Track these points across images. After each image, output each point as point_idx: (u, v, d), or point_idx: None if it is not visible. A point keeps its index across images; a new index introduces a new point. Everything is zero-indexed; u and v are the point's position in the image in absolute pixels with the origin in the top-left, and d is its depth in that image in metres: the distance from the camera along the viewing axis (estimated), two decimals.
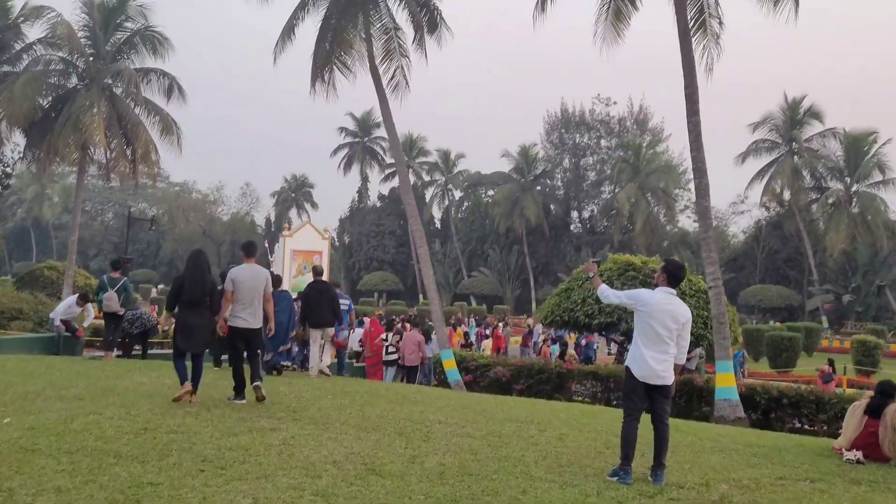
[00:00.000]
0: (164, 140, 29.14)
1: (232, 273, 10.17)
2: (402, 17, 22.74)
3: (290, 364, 15.54)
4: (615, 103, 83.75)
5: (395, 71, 22.46)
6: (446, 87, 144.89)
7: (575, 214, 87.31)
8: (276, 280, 15.53)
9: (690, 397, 18.88)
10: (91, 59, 28.80)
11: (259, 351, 10.57)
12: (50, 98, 28.49)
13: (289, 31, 22.44)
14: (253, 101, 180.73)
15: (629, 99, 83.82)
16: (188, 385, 9.37)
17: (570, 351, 25.01)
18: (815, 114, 68.41)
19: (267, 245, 67.74)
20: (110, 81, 28.87)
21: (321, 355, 14.78)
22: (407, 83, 22.52)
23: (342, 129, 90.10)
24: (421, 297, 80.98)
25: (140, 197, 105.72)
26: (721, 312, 16.04)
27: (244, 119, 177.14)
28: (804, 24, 22.79)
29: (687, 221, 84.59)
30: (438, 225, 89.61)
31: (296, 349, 15.99)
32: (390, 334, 21.35)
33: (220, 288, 10.17)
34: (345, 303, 16.71)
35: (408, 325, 21.19)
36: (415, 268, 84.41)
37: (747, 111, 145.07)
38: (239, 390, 9.84)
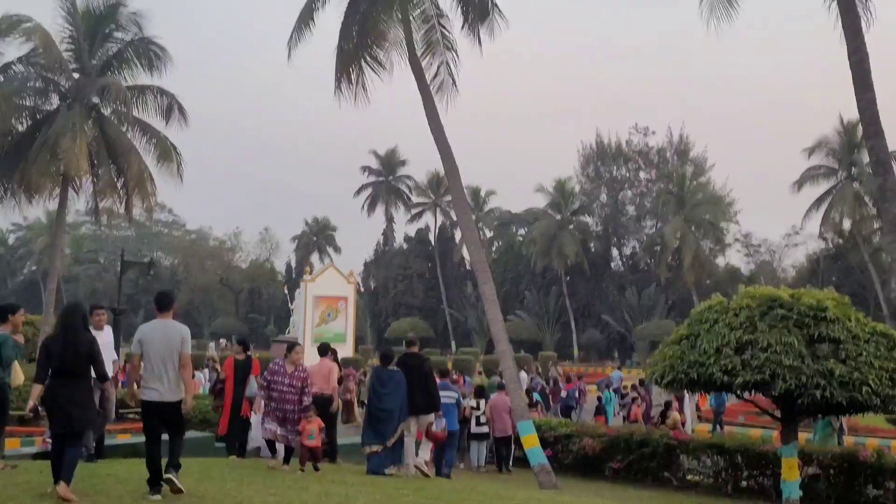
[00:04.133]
0: (161, 168, 24.88)
1: (139, 332, 8.33)
2: (445, 2, 18.46)
3: (395, 469, 11.55)
4: (653, 133, 79.30)
5: (438, 67, 18.19)
6: (470, 121, 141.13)
7: (615, 252, 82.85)
8: (385, 358, 12.56)
9: (853, 475, 14.00)
10: (75, 74, 24.67)
11: (182, 431, 8.53)
12: (28, 122, 24.36)
13: (307, 17, 18.07)
14: (271, 142, 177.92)
15: (668, 128, 79.74)
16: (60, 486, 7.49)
17: (675, 414, 20.09)
18: None
19: (287, 292, 63.88)
20: (97, 100, 24.72)
21: (422, 445, 12.25)
22: (454, 82, 18.22)
23: (365, 169, 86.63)
24: (454, 343, 76.62)
25: (155, 245, 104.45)
26: None
27: (262, 161, 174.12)
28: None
29: (737, 256, 79.98)
30: (469, 267, 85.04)
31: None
32: (481, 401, 17.04)
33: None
34: (451, 395, 13.90)
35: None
36: (446, 312, 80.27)
37: (801, 137, 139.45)
38: (153, 482, 7.87)
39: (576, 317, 75.34)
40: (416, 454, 11.93)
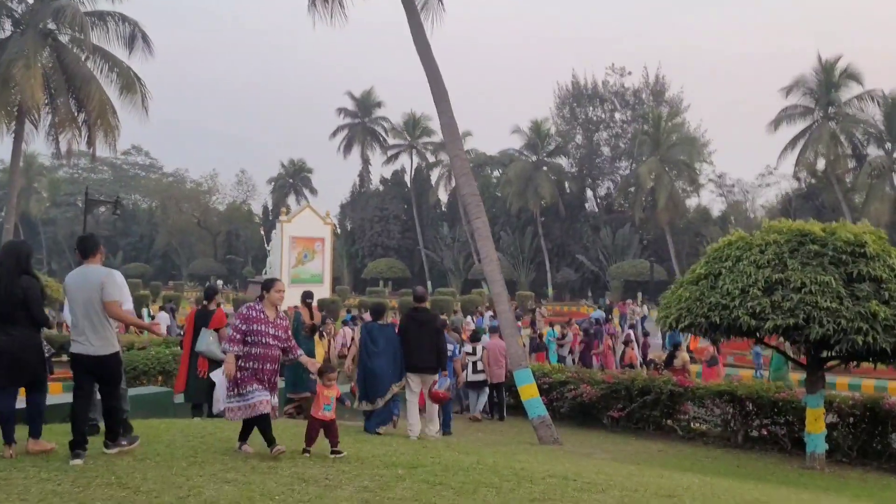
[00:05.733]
0: (124, 100, 23.09)
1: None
2: None
3: (393, 422, 11.04)
4: (630, 73, 78.28)
5: None
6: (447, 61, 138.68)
7: (589, 192, 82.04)
8: (375, 312, 11.42)
9: (875, 424, 13.04)
10: None
11: (115, 390, 7.30)
12: None
13: None
14: (248, 83, 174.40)
15: (644, 68, 78.54)
16: (9, 449, 6.85)
17: (684, 355, 18.95)
18: (851, 75, 62.63)
19: (263, 233, 62.69)
20: (53, 26, 22.80)
21: (427, 418, 11.06)
22: (440, 1, 16.55)
23: (341, 110, 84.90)
24: (430, 284, 75.80)
25: (132, 188, 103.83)
26: None
27: (237, 103, 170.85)
28: None
29: (709, 196, 79.59)
30: (445, 208, 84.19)
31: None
32: (477, 346, 15.99)
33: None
34: (448, 348, 12.26)
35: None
36: (422, 253, 79.52)
37: (780, 79, 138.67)
38: (75, 444, 6.75)
39: (550, 257, 75.05)
40: (427, 428, 10.91)
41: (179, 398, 11.99)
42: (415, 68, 15.27)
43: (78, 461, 6.59)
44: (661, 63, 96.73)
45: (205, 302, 12.08)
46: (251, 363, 7.68)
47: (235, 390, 7.64)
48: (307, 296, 13.78)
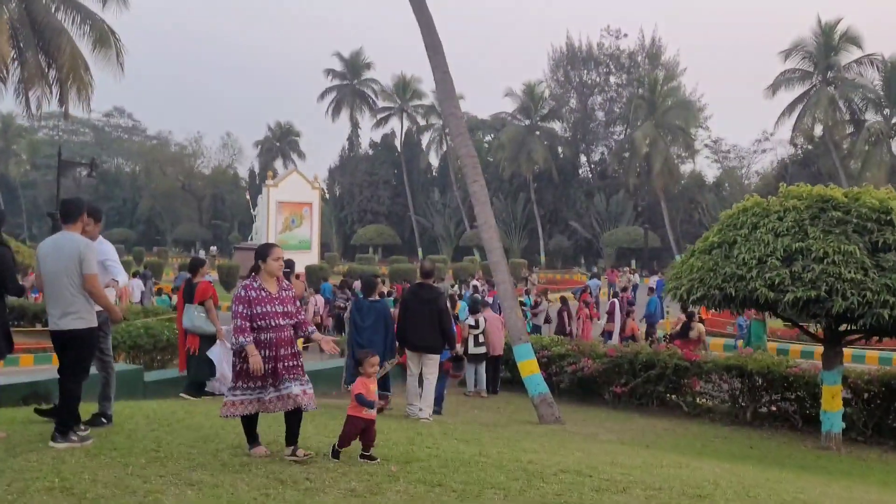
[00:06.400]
0: (98, 55, 21.99)
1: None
2: None
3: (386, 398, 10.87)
4: (626, 35, 76.88)
5: None
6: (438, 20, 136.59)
7: (583, 158, 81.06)
8: (367, 286, 11.58)
9: (892, 403, 12.29)
10: None
11: (74, 374, 6.50)
12: None
13: None
14: (233, 43, 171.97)
15: (640, 31, 77.35)
16: None
17: (700, 326, 18.00)
18: (851, 38, 61.73)
19: (249, 198, 61.51)
20: None
21: (423, 398, 10.59)
22: None
23: (329, 72, 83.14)
24: (420, 251, 75.04)
25: (114, 151, 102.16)
26: None
27: (223, 62, 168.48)
28: None
29: (705, 162, 78.56)
30: (436, 173, 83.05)
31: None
32: (479, 317, 15.05)
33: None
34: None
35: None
36: (412, 219, 78.53)
37: (779, 42, 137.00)
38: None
39: (543, 223, 74.24)
40: (420, 411, 10.50)
41: (150, 376, 11.29)
42: (407, 29, 14.30)
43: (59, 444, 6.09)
44: (657, 25, 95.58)
45: (189, 275, 11.37)
46: (263, 351, 6.32)
47: (249, 382, 6.35)
48: (287, 265, 13.00)
